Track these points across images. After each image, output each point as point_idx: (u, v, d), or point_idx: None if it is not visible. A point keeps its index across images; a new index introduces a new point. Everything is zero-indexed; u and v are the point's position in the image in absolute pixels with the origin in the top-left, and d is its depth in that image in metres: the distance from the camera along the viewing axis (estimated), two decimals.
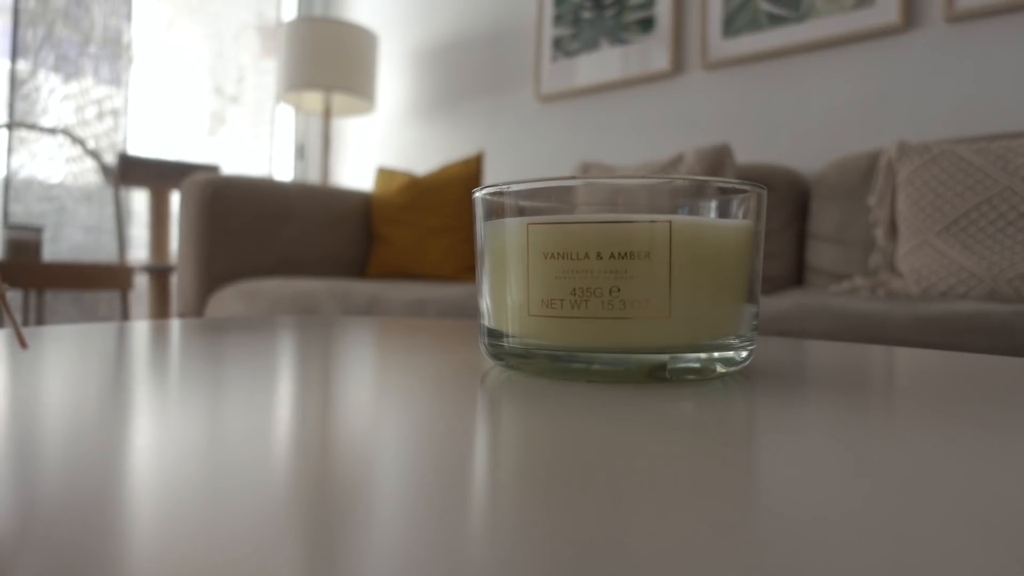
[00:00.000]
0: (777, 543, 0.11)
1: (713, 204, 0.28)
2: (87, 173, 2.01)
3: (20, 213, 1.89)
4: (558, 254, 0.26)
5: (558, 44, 1.85)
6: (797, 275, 1.35)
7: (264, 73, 2.46)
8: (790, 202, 1.35)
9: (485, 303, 0.30)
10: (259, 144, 2.48)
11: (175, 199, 1.82)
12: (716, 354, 0.27)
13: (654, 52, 1.68)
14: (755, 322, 0.29)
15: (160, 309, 1.82)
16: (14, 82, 1.88)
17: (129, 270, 1.55)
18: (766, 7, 1.51)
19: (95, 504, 0.12)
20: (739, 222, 0.28)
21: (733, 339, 0.28)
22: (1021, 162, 0.97)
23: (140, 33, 2.15)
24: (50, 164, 1.96)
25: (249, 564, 0.10)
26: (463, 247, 1.61)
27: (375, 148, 2.35)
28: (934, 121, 1.31)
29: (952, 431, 0.20)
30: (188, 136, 2.28)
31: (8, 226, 1.49)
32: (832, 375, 0.31)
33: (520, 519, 0.12)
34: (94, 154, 1.77)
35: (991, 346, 0.69)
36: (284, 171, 2.53)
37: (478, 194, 0.30)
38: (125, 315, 1.55)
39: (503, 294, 0.28)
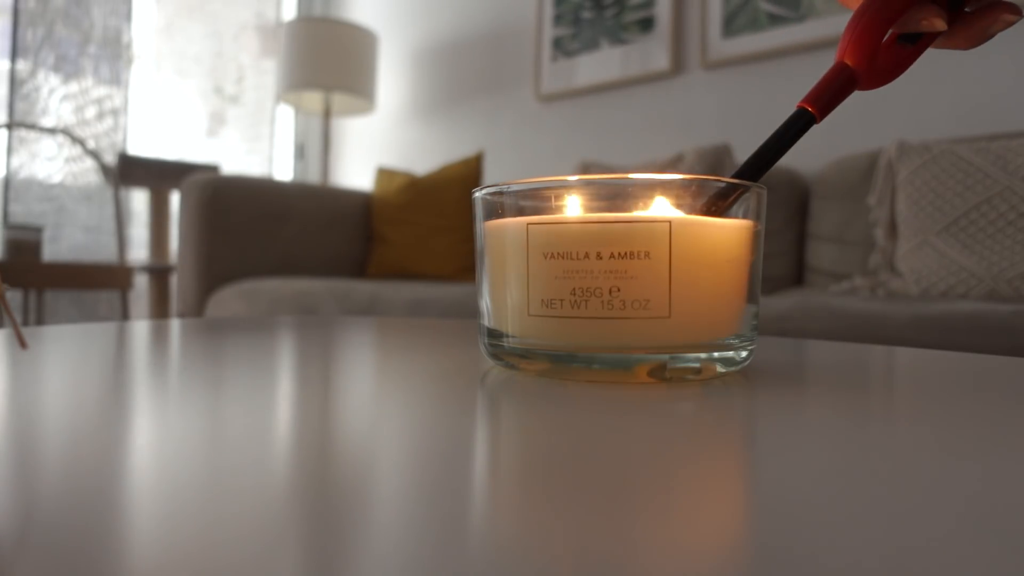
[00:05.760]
0: (776, 542, 0.11)
1: None
2: (87, 173, 2.00)
3: (20, 213, 1.89)
4: (558, 254, 0.26)
5: (558, 44, 1.85)
6: (797, 275, 1.35)
7: (264, 73, 2.46)
8: (790, 202, 1.35)
9: (485, 303, 0.30)
10: (259, 144, 2.47)
11: (175, 199, 1.82)
12: (716, 354, 0.27)
13: (654, 52, 1.68)
14: (755, 322, 0.29)
15: (160, 309, 1.82)
16: (14, 82, 1.88)
17: (129, 270, 1.54)
18: (766, 7, 1.51)
19: (95, 504, 0.12)
20: (739, 222, 0.28)
21: (733, 339, 0.28)
22: (1021, 162, 0.96)
23: (140, 33, 2.15)
24: (50, 164, 1.96)
25: (249, 564, 0.10)
26: (463, 247, 1.61)
27: (375, 148, 2.35)
28: (934, 121, 1.30)
29: (951, 431, 0.20)
30: (188, 136, 2.27)
31: (8, 226, 1.49)
32: (832, 375, 0.31)
33: (520, 519, 0.12)
34: (94, 154, 1.76)
35: (991, 346, 0.69)
36: (284, 171, 2.53)
37: (478, 194, 0.30)
38: (125, 315, 1.55)
39: (503, 294, 0.28)
